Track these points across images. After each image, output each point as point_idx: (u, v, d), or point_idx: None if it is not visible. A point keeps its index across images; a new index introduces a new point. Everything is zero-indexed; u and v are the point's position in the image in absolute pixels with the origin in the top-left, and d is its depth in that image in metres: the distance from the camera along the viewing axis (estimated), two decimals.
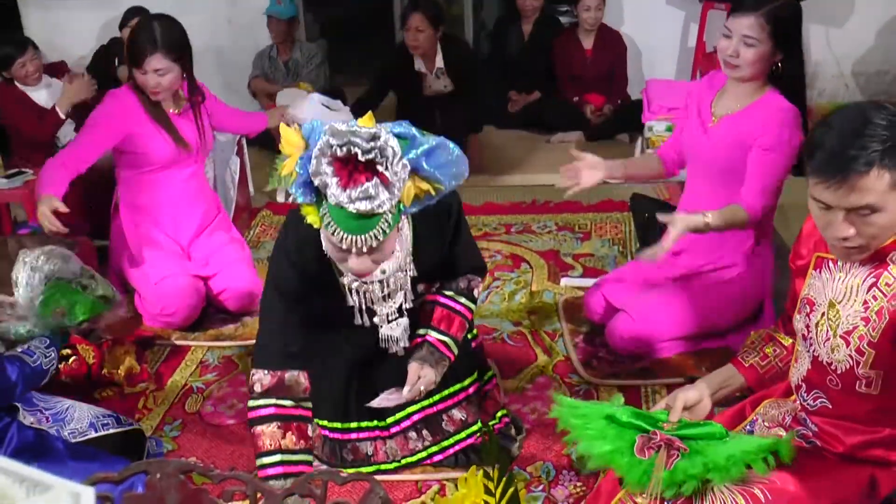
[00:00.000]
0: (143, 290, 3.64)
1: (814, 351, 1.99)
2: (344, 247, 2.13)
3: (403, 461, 2.72)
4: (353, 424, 2.71)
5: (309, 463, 2.41)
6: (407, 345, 2.59)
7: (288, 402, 2.41)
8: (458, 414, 2.74)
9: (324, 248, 2.27)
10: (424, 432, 2.72)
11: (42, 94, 4.53)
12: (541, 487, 2.66)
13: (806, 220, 2.06)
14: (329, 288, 2.45)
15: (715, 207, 3.13)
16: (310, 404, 2.47)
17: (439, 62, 5.30)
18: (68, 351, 2.95)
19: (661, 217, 2.88)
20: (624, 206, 4.40)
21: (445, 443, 2.73)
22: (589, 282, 3.74)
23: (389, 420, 2.70)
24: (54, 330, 2.73)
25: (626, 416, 1.99)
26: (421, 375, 2.51)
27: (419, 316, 2.63)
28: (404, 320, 2.54)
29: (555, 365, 3.28)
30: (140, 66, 3.41)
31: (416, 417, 2.71)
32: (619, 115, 5.78)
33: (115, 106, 3.51)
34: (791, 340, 2.21)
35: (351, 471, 2.56)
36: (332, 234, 2.11)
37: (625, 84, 5.97)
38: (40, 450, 2.36)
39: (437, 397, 2.71)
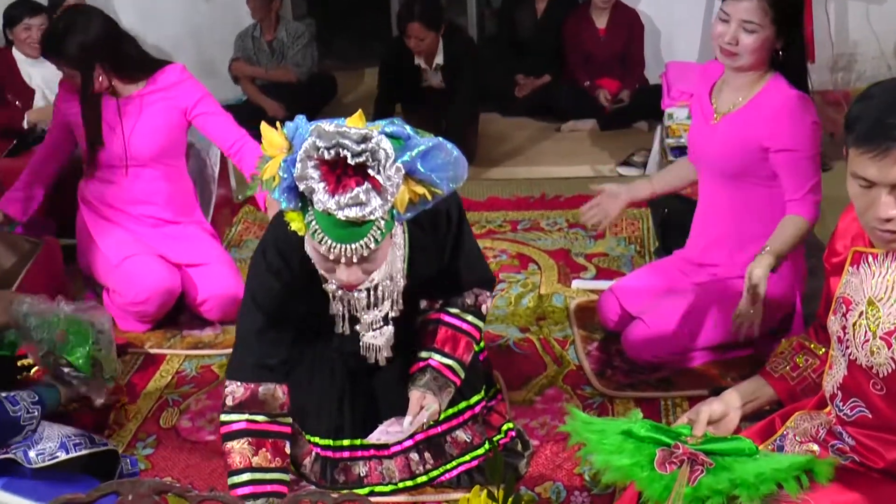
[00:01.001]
0: (108, 277, 3.65)
1: (850, 354, 1.99)
2: (332, 257, 2.11)
3: (401, 485, 2.71)
4: (346, 442, 2.71)
5: (284, 483, 2.41)
6: (390, 355, 2.58)
7: (261, 418, 2.42)
8: (462, 435, 2.74)
9: (309, 256, 2.25)
10: (427, 454, 2.72)
11: (35, 72, 4.55)
12: None
13: (843, 214, 2.06)
14: (312, 294, 2.45)
15: (732, 211, 3.13)
16: (288, 420, 2.47)
17: (439, 59, 5.40)
18: (29, 361, 2.96)
19: (747, 290, 2.89)
20: (641, 202, 4.40)
21: (448, 466, 2.74)
22: (603, 284, 3.74)
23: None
24: (42, 351, 2.86)
25: (646, 430, 1.99)
26: (424, 405, 2.50)
27: (415, 330, 2.63)
28: (388, 329, 2.54)
29: (565, 375, 3.29)
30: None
31: (418, 437, 2.71)
32: (635, 101, 5.78)
33: (60, 94, 3.72)
34: (824, 350, 2.21)
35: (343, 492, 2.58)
36: (319, 242, 2.08)
37: (642, 67, 5.97)
38: (6, 473, 2.36)
39: (440, 417, 2.71)
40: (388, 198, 2.02)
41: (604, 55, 5.89)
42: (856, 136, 1.77)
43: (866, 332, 1.94)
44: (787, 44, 2.95)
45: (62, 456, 2.51)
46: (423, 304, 2.66)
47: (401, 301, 2.50)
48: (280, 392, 2.45)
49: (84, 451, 2.57)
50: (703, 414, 2.09)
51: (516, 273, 4.01)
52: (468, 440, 2.74)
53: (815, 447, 2.10)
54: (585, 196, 4.65)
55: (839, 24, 5.98)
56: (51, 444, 2.52)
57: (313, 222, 2.08)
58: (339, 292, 2.40)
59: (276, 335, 2.45)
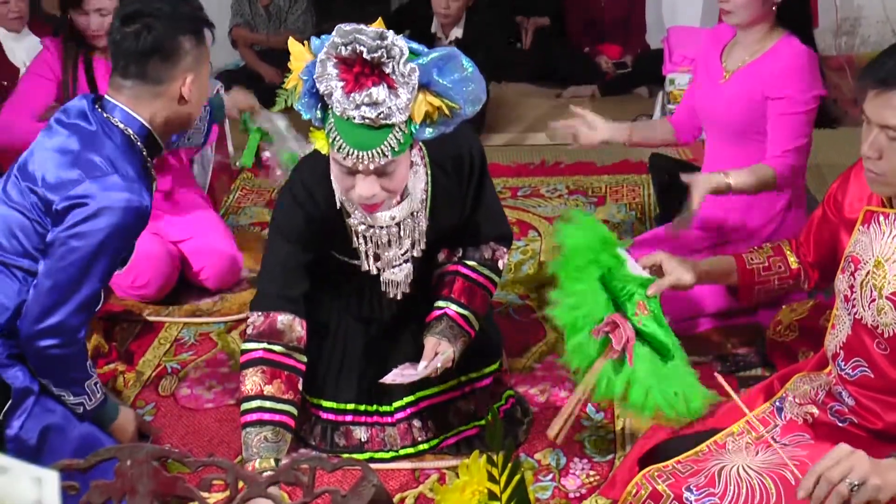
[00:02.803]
0: None
1: (856, 313, 2.01)
2: (349, 164, 2.15)
3: (402, 451, 2.73)
4: (350, 406, 2.73)
5: (292, 416, 2.42)
6: (407, 290, 2.59)
7: (278, 349, 2.43)
8: (466, 406, 2.76)
9: (332, 179, 2.29)
10: (430, 423, 2.73)
11: (18, 47, 4.48)
12: (550, 476, 2.67)
13: (856, 172, 2.10)
14: (336, 233, 2.47)
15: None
16: (304, 358, 2.48)
17: (458, 32, 5.20)
18: None
19: (683, 177, 2.89)
20: (642, 168, 4.39)
21: (449, 433, 2.75)
22: None
23: (395, 405, 2.71)
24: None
25: (617, 281, 2.18)
26: (438, 352, 2.52)
27: (436, 285, 2.64)
28: (408, 266, 2.55)
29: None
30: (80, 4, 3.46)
31: (423, 405, 2.72)
32: (637, 67, 5.76)
33: (52, 53, 3.60)
34: (797, 264, 2.33)
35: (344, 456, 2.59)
36: (338, 151, 2.13)
37: (643, 31, 5.94)
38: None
39: (452, 382, 2.73)
40: (404, 99, 2.07)
41: (605, 20, 5.86)
42: (867, 71, 1.88)
43: (872, 291, 1.96)
44: None
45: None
46: (441, 256, 2.68)
47: (422, 241, 2.51)
48: (298, 325, 2.46)
49: None
50: (671, 280, 2.30)
51: (516, 240, 4.00)
52: (472, 410, 2.75)
53: (814, 409, 2.13)
54: (586, 163, 4.68)
55: None
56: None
57: (332, 130, 2.13)
58: (361, 228, 2.42)
59: (298, 267, 2.48)
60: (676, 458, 2.11)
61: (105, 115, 2.43)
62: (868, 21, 6.06)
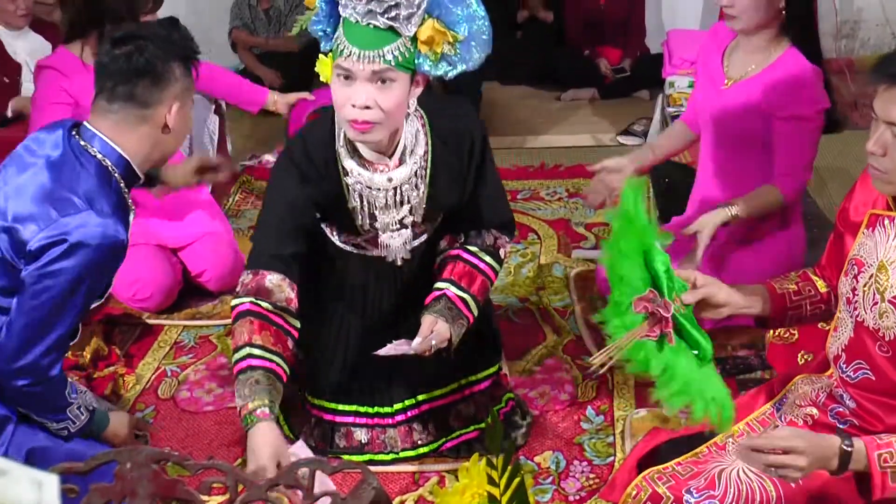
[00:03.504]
0: None
1: (858, 316, 2.01)
2: (350, 65, 2.21)
3: (402, 454, 2.73)
4: (350, 408, 2.73)
5: (283, 369, 2.37)
6: (407, 256, 2.60)
7: (266, 305, 2.41)
8: (466, 409, 2.76)
9: (333, 101, 2.32)
10: (430, 426, 2.74)
11: (19, 45, 4.49)
12: (550, 480, 2.68)
13: (861, 177, 2.09)
14: (333, 197, 2.49)
15: (732, 177, 3.13)
16: (296, 323, 2.46)
17: None
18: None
19: (685, 232, 2.87)
20: (641, 171, 4.38)
21: (449, 437, 2.76)
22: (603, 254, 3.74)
23: (396, 406, 2.71)
24: None
25: (661, 266, 2.02)
26: (435, 330, 2.49)
27: (437, 270, 2.64)
28: (406, 232, 2.55)
29: (565, 345, 3.30)
30: None
31: (425, 407, 2.73)
32: (637, 70, 5.76)
33: (54, 73, 3.45)
34: (826, 288, 2.23)
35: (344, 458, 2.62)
36: (341, 54, 2.22)
37: (643, 34, 5.94)
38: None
39: (453, 386, 2.74)
40: (412, 9, 2.17)
41: (605, 23, 5.86)
42: (878, 66, 1.88)
43: (874, 294, 1.96)
44: (790, 1, 2.94)
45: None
46: (443, 244, 2.68)
47: (421, 209, 2.52)
48: (287, 287, 2.44)
49: None
50: (705, 291, 2.10)
51: (516, 243, 4.01)
52: (472, 414, 2.76)
53: (815, 410, 2.13)
54: (585, 166, 4.67)
55: None
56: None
57: (339, 40, 2.23)
58: (359, 186, 2.44)
59: (292, 229, 2.48)
60: (676, 460, 2.11)
61: (82, 143, 2.36)
62: (868, 24, 6.06)
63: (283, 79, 5.57)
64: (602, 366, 2.06)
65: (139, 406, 3.08)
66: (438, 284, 2.58)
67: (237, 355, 2.36)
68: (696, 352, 2.01)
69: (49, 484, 1.16)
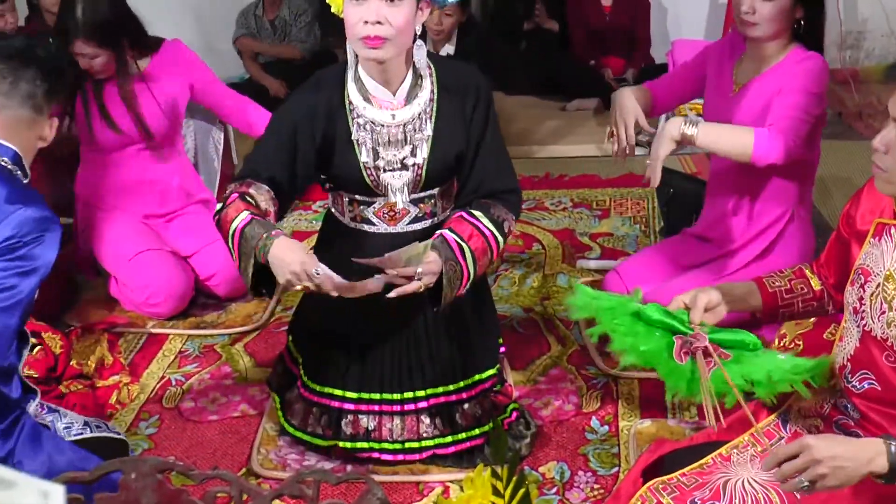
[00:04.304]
0: (119, 271, 3.63)
1: (865, 325, 2.01)
2: None
3: (407, 444, 2.73)
4: (357, 395, 2.73)
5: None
6: (408, 199, 2.63)
7: (252, 201, 2.50)
8: (472, 409, 2.76)
9: (346, 26, 2.40)
10: (437, 420, 2.74)
11: None
12: (554, 490, 2.67)
13: (868, 185, 2.10)
14: (337, 129, 2.56)
15: (744, 187, 3.13)
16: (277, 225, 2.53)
17: (450, 48, 5.14)
18: (33, 340, 2.96)
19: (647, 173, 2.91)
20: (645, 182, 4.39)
21: (456, 437, 2.75)
22: (608, 264, 3.75)
23: (405, 395, 2.72)
24: None
25: (657, 314, 2.04)
26: (425, 259, 2.44)
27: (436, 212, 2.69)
28: (407, 174, 2.59)
29: (569, 355, 3.30)
30: (68, 47, 3.37)
31: (431, 401, 2.73)
32: (641, 80, 5.76)
33: None
34: (820, 286, 2.27)
35: (348, 448, 2.68)
36: None
37: (648, 45, 5.95)
38: (42, 437, 2.38)
39: (460, 384, 2.74)
40: None
41: (609, 33, 5.87)
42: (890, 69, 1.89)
43: (882, 303, 1.96)
44: (808, 12, 2.95)
45: (87, 433, 2.53)
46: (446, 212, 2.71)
47: (423, 149, 2.57)
48: (270, 200, 2.53)
49: (104, 434, 2.58)
50: (701, 301, 2.16)
51: (520, 253, 4.02)
52: (477, 415, 2.76)
53: (819, 422, 2.13)
54: (590, 176, 4.69)
55: (848, 1, 5.95)
56: (77, 424, 2.55)
57: None
58: (362, 120, 2.53)
59: (287, 158, 2.57)
60: (681, 471, 2.10)
61: None
62: (872, 35, 6.07)
63: (287, 88, 5.58)
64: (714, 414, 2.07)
65: (143, 415, 3.08)
66: (438, 232, 2.56)
67: (235, 224, 2.45)
68: (750, 348, 2.05)
69: (55, 494, 1.16)
